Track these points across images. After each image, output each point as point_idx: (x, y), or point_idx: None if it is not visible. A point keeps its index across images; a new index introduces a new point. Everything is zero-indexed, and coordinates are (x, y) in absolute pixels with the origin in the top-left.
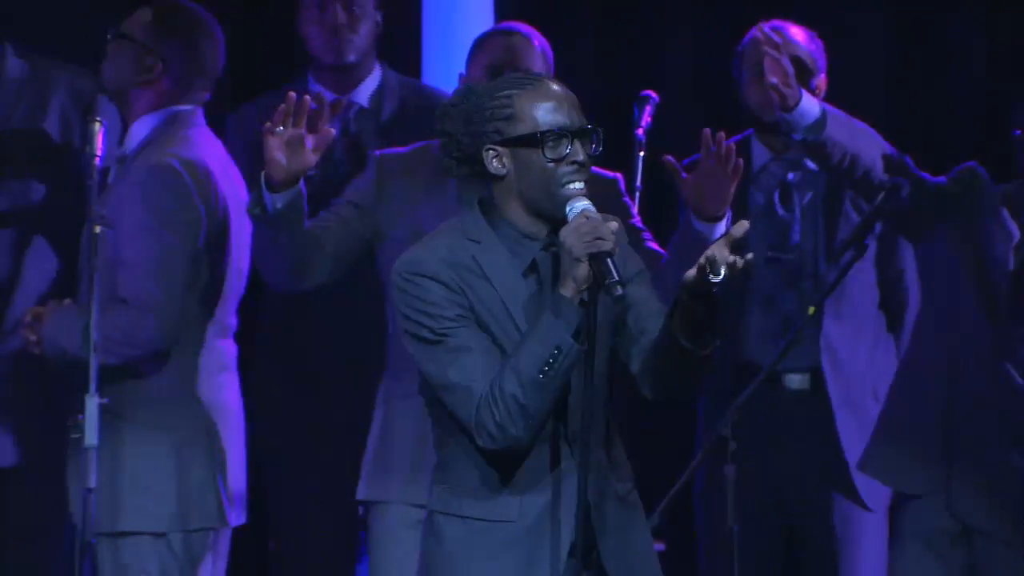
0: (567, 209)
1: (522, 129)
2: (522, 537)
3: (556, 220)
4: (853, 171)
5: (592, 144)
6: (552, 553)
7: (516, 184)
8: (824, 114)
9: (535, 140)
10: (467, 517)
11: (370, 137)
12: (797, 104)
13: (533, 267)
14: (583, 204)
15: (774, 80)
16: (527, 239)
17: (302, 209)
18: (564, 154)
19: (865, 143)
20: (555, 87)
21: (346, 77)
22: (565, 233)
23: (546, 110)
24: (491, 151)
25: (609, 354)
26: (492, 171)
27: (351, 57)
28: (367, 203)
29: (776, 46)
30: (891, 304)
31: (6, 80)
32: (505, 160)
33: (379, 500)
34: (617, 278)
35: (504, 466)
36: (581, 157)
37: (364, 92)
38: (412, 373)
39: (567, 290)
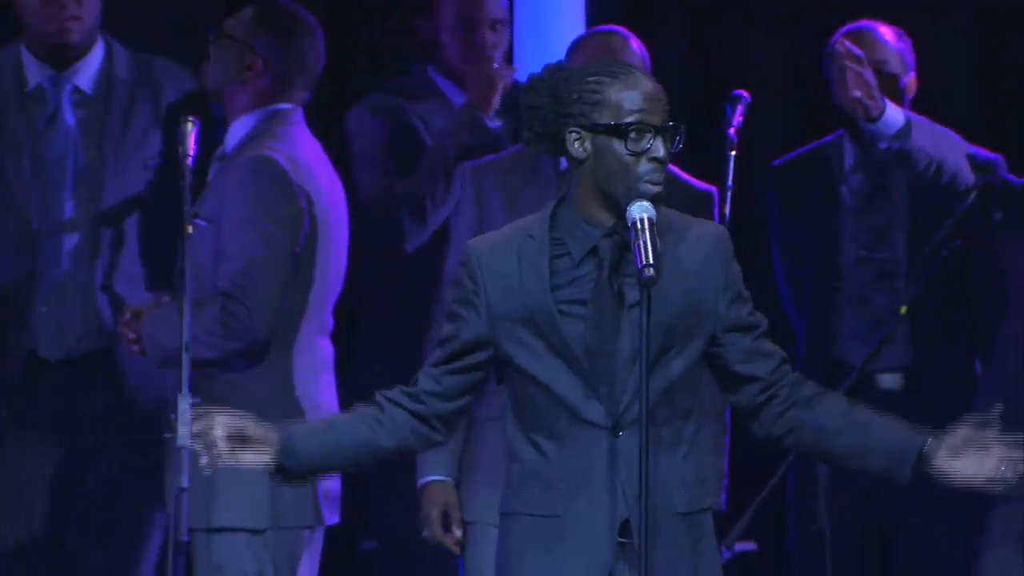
0: (628, 209)
1: (607, 117)
2: (573, 535)
3: (623, 212)
4: (939, 177)
5: (674, 142)
6: (600, 554)
7: (593, 170)
8: (908, 122)
9: (618, 130)
10: (525, 515)
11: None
12: (881, 114)
13: (594, 252)
14: (642, 210)
15: (857, 94)
16: (590, 226)
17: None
18: (644, 148)
19: (949, 148)
20: (645, 80)
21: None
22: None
23: (632, 101)
24: (573, 133)
25: (692, 360)
26: (572, 153)
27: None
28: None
29: (857, 59)
30: (979, 311)
31: (117, 81)
32: (587, 144)
33: (468, 520)
34: (645, 262)
35: (562, 465)
36: (660, 154)
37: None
38: (495, 395)
39: None
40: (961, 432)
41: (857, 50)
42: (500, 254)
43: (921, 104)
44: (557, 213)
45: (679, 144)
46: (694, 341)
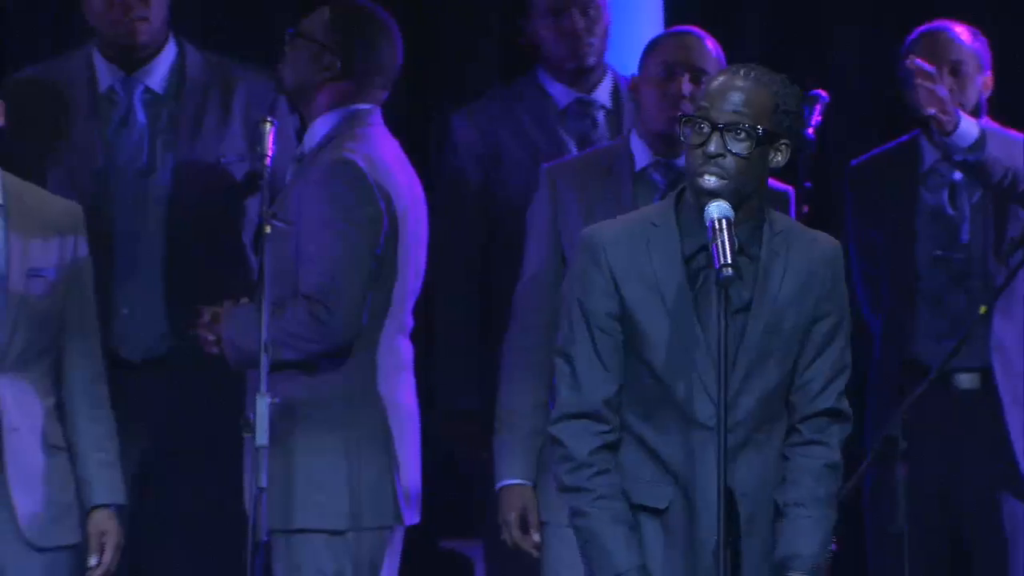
0: (706, 208)
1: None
2: (668, 527)
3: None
4: (1015, 187)
5: (740, 140)
6: (691, 548)
7: None
8: (983, 134)
9: (682, 123)
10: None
11: (615, 134)
12: (956, 128)
13: (704, 248)
14: (719, 210)
15: (932, 111)
16: (700, 224)
17: None
18: (697, 142)
19: (1023, 156)
20: (720, 77)
21: (583, 79)
22: None
23: (705, 97)
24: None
25: (790, 366)
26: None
27: (591, 60)
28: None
29: (929, 76)
30: None
31: (189, 81)
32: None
33: (543, 521)
34: (722, 262)
35: (656, 455)
36: (712, 148)
37: (604, 92)
38: None
39: None
40: None
41: (928, 66)
42: (625, 242)
43: (998, 105)
44: (680, 207)
45: (747, 145)
46: (790, 347)
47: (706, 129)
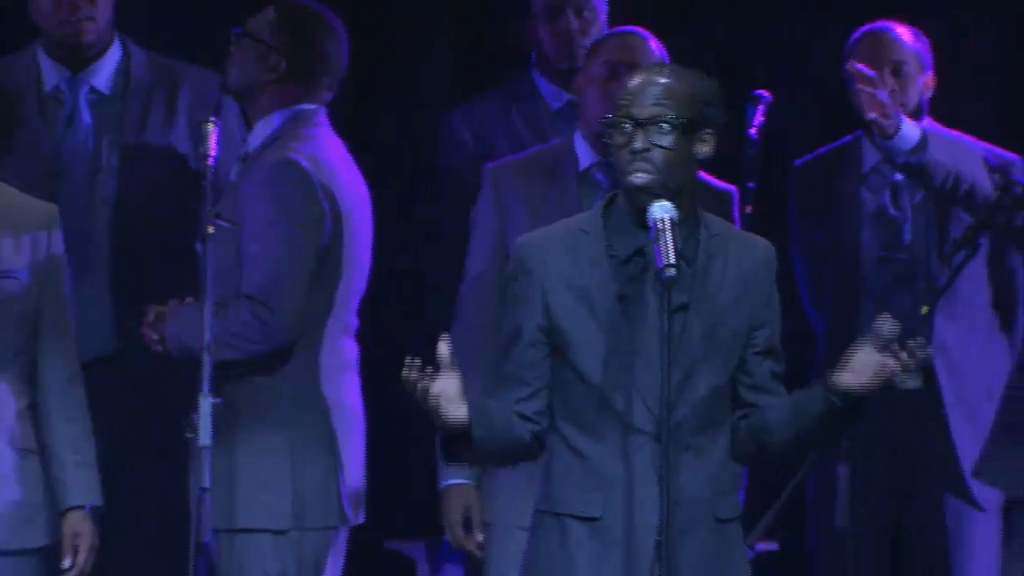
0: (649, 208)
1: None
2: (603, 535)
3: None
4: (956, 190)
5: (664, 133)
6: (626, 556)
7: None
8: (924, 136)
9: (607, 126)
10: (564, 515)
11: None
12: (897, 131)
13: (640, 252)
14: (663, 210)
15: (873, 115)
16: (637, 228)
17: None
18: (623, 141)
19: (965, 158)
20: (639, 77)
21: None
22: None
23: (624, 96)
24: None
25: (728, 370)
26: None
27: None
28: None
29: (870, 81)
30: (1004, 303)
31: (134, 81)
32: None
33: (488, 522)
34: (666, 262)
35: (589, 463)
36: (637, 144)
37: None
38: None
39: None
40: (857, 353)
41: (868, 71)
42: (555, 249)
43: (940, 104)
44: (609, 211)
45: (671, 139)
46: (731, 352)
47: (629, 127)
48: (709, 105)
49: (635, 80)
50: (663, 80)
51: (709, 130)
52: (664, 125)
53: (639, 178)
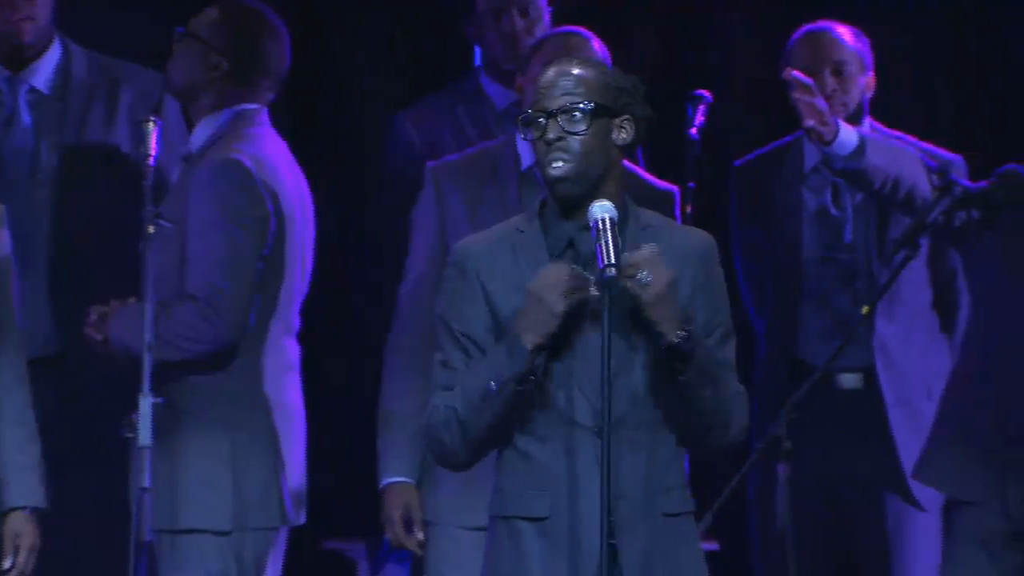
0: (590, 208)
1: None
2: (552, 534)
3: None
4: (895, 193)
5: (576, 121)
6: (574, 553)
7: None
8: (862, 141)
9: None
10: (514, 517)
11: None
12: (835, 138)
13: (571, 245)
14: (603, 210)
15: (810, 123)
16: (565, 220)
17: None
18: (538, 134)
19: (904, 161)
20: (550, 71)
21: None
22: (538, 287)
23: (537, 92)
24: None
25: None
26: None
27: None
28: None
29: (807, 89)
30: (944, 303)
31: (74, 81)
32: None
33: (428, 521)
34: (607, 262)
35: (535, 463)
36: (551, 135)
37: None
38: None
39: (526, 339)
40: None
41: (805, 78)
42: (494, 251)
43: (881, 104)
44: (544, 211)
45: (582, 127)
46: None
47: (542, 120)
48: (623, 91)
49: (547, 74)
50: (574, 71)
51: (627, 116)
52: (576, 113)
53: (556, 168)
